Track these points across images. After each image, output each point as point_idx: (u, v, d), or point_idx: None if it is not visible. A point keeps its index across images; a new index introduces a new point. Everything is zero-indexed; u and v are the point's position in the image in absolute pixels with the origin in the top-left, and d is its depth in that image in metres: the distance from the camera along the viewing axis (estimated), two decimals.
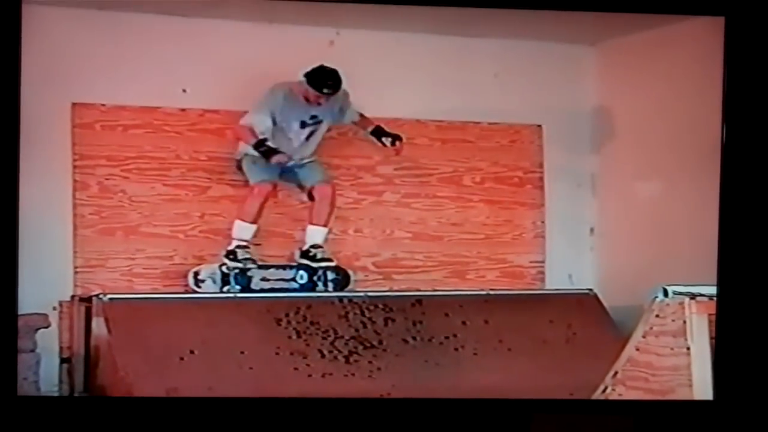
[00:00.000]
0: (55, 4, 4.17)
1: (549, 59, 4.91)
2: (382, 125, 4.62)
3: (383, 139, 4.62)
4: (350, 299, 4.42)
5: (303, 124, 4.52)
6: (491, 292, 4.65)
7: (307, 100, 4.46)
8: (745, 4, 3.88)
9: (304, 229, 4.64)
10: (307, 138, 4.56)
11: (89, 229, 4.41)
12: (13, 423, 3.74)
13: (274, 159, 4.45)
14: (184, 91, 4.55)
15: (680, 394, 3.80)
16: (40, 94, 4.03)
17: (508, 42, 4.82)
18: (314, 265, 4.55)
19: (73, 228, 4.38)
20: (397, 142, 4.61)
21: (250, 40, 4.56)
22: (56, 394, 4.16)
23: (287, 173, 4.58)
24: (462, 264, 4.84)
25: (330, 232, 4.61)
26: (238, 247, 4.50)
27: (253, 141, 4.45)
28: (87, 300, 4.23)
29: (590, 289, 4.78)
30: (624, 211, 4.90)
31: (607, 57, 4.94)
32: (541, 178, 5.02)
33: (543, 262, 4.99)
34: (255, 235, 4.53)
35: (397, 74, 4.72)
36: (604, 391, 3.79)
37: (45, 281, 4.14)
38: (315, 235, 4.56)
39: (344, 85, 4.45)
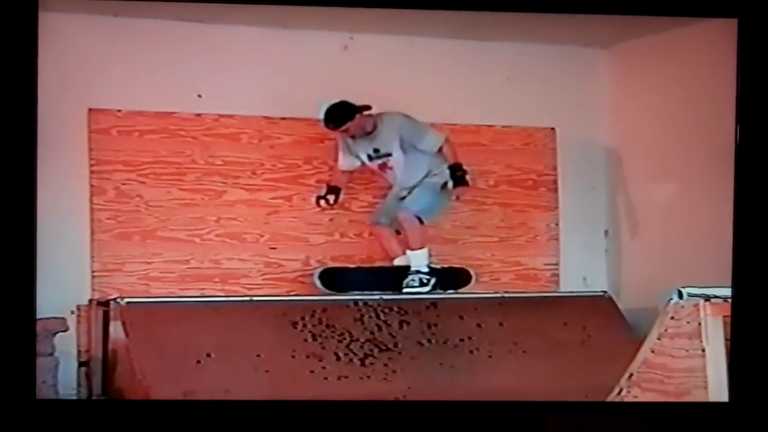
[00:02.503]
0: (72, 12, 4.20)
1: (562, 62, 4.92)
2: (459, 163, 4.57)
3: (449, 181, 4.59)
4: (365, 302, 4.43)
5: (370, 158, 4.60)
6: (506, 295, 4.65)
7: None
8: (757, 6, 3.88)
9: (319, 233, 4.69)
10: (383, 170, 4.62)
11: (106, 233, 4.44)
12: (32, 426, 3.77)
13: (321, 201, 4.63)
14: (199, 96, 4.58)
15: (695, 396, 3.79)
16: (57, 101, 4.07)
17: (521, 45, 4.83)
18: (408, 289, 4.57)
19: (91, 232, 4.41)
20: (460, 188, 4.59)
21: (265, 46, 4.59)
22: (74, 398, 4.19)
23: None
24: (476, 267, 4.85)
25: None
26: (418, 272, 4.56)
27: (333, 183, 4.65)
28: (104, 304, 4.26)
29: (605, 292, 4.79)
30: (638, 213, 4.91)
31: (620, 60, 4.95)
32: (555, 181, 5.02)
33: (557, 264, 4.99)
34: (429, 258, 4.57)
35: (410, 78, 4.73)
36: (619, 393, 3.79)
37: (63, 285, 4.17)
38: (412, 259, 4.59)
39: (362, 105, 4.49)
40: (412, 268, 4.57)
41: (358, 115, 4.48)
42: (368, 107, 4.49)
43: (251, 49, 4.59)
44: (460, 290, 4.72)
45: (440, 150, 4.58)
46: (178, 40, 4.50)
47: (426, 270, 4.57)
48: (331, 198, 4.63)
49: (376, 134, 4.55)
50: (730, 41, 3.89)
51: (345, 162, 4.63)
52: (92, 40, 4.36)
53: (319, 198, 4.64)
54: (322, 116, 4.48)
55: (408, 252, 4.59)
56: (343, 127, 4.50)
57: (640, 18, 4.26)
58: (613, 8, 4.06)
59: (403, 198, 4.62)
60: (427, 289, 4.56)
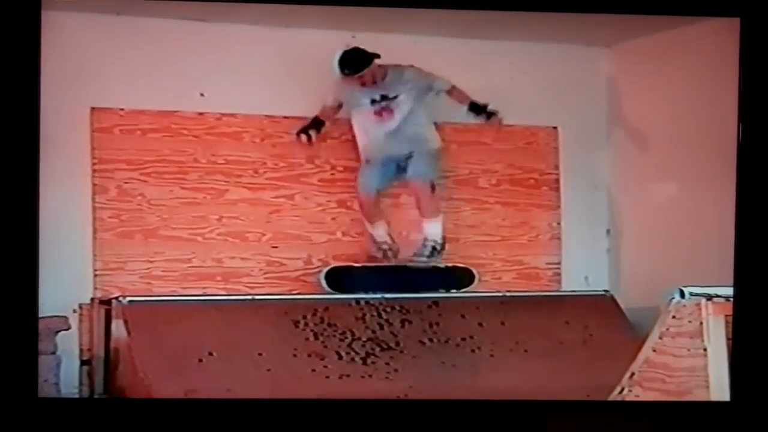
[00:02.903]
0: (74, 10, 4.21)
1: (565, 61, 4.92)
2: (473, 100, 4.64)
3: (479, 115, 4.64)
4: (367, 301, 4.44)
5: (372, 101, 4.56)
6: (507, 294, 4.66)
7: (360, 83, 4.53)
8: (760, 6, 3.88)
9: (321, 232, 4.69)
10: (380, 115, 4.58)
11: (108, 232, 4.44)
12: (33, 424, 3.78)
13: (301, 137, 4.58)
14: (201, 95, 4.58)
15: (697, 395, 3.79)
16: (60, 99, 4.07)
17: (523, 44, 4.82)
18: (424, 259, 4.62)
19: (93, 231, 4.42)
20: (493, 118, 4.63)
21: (267, 44, 4.59)
22: (76, 396, 4.19)
23: (401, 174, 4.64)
24: (478, 266, 4.85)
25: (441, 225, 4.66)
26: (376, 242, 4.63)
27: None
28: (106, 302, 4.26)
29: (606, 291, 4.79)
30: (640, 212, 4.90)
31: (623, 59, 4.94)
32: (557, 180, 5.02)
33: (559, 263, 4.99)
34: (387, 230, 4.65)
35: None
36: (620, 392, 3.79)
37: (65, 284, 4.17)
38: (426, 228, 4.63)
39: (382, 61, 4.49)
40: (429, 238, 4.60)
41: (373, 62, 4.48)
42: (378, 56, 4.49)
43: (254, 48, 4.59)
44: (461, 290, 4.72)
45: (451, 93, 4.62)
46: (181, 39, 4.50)
47: (440, 240, 4.60)
48: (313, 133, 4.58)
49: (385, 83, 4.55)
50: (732, 40, 3.89)
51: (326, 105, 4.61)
52: (95, 38, 4.36)
53: (300, 131, 4.59)
54: (336, 63, 4.45)
55: (424, 222, 4.62)
56: (360, 74, 4.48)
57: (643, 17, 4.25)
58: (615, 7, 4.06)
59: (402, 167, 4.62)
60: (437, 258, 4.59)
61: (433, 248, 4.62)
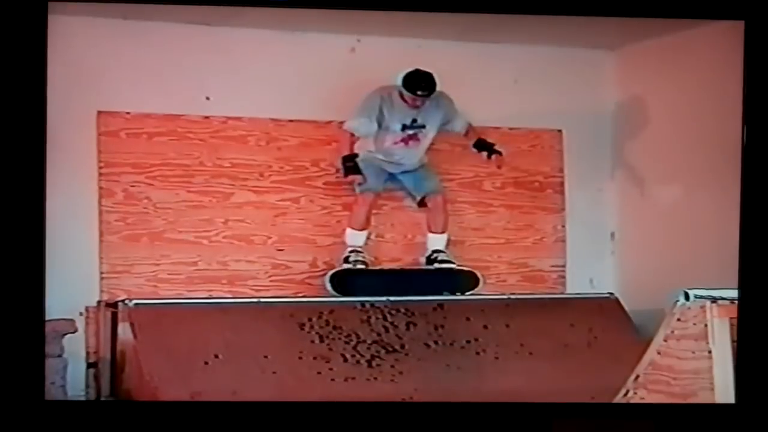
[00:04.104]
0: (81, 15, 4.22)
1: (569, 64, 4.92)
2: (483, 137, 4.71)
3: (482, 152, 4.69)
4: (372, 304, 4.44)
5: (404, 127, 4.59)
6: (512, 297, 4.66)
7: (405, 102, 4.54)
8: (764, 8, 3.89)
9: (326, 235, 4.69)
10: (406, 142, 4.61)
11: (115, 235, 4.46)
12: (41, 427, 3.79)
13: (351, 178, 4.58)
14: (207, 98, 4.59)
15: (702, 398, 3.80)
16: (66, 103, 4.08)
17: (527, 48, 4.83)
18: (435, 266, 4.66)
19: (99, 234, 4.43)
20: (494, 156, 4.68)
21: (272, 48, 4.60)
22: (83, 399, 4.20)
23: (394, 181, 4.70)
24: (483, 269, 4.86)
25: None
26: (351, 251, 4.61)
27: (346, 152, 4.56)
28: (113, 305, 4.28)
29: (611, 293, 4.79)
30: (645, 215, 4.91)
31: (627, 62, 4.95)
32: (562, 183, 5.03)
33: (564, 266, 4.99)
34: (366, 242, 4.65)
35: None
36: (625, 394, 3.80)
37: (72, 287, 4.18)
38: (435, 242, 4.69)
39: (441, 91, 4.53)
40: (436, 249, 4.65)
41: None
42: None
43: (259, 51, 4.61)
44: (466, 293, 4.73)
45: (467, 133, 4.69)
46: (187, 43, 4.51)
47: (445, 251, 4.66)
48: (351, 165, 4.56)
49: (422, 107, 4.56)
50: (737, 43, 3.90)
51: (365, 128, 4.57)
52: (101, 42, 4.38)
53: (349, 173, 4.56)
54: (403, 82, 4.46)
55: (432, 235, 4.68)
56: (432, 97, 4.52)
57: (647, 20, 4.26)
58: (619, 10, 4.07)
59: (396, 177, 4.67)
60: (453, 265, 4.64)
61: (447, 259, 4.66)
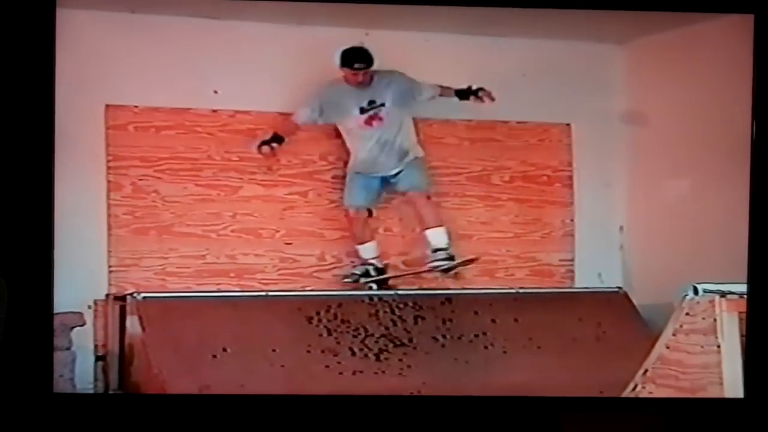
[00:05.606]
0: (89, 8, 4.22)
1: (577, 58, 4.91)
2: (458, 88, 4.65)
3: (468, 99, 4.65)
4: (380, 297, 4.45)
5: (362, 110, 4.57)
6: (521, 291, 4.65)
7: (349, 82, 4.53)
8: None
9: (334, 228, 4.69)
10: (369, 123, 4.59)
11: (123, 228, 4.46)
12: (49, 419, 3.81)
13: (263, 149, 4.54)
14: (215, 92, 4.59)
15: (711, 392, 3.80)
16: (74, 97, 4.09)
17: (536, 41, 4.81)
18: (435, 263, 4.62)
19: (108, 228, 4.43)
20: (480, 93, 4.62)
21: (280, 42, 4.60)
22: (91, 391, 4.20)
23: (389, 186, 4.66)
24: (491, 262, 4.86)
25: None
26: (367, 264, 4.61)
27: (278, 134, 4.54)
28: (121, 299, 4.28)
29: (620, 288, 4.78)
30: (653, 209, 4.89)
31: (636, 55, 4.93)
32: (570, 177, 5.01)
33: (572, 260, 4.98)
34: (377, 253, 4.64)
35: (425, 74, 4.73)
36: (634, 389, 3.80)
37: (80, 280, 4.18)
38: (432, 238, 4.63)
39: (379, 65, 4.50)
40: (434, 247, 4.60)
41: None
42: None
43: (267, 45, 4.60)
44: (474, 286, 4.73)
45: (441, 95, 4.64)
46: (195, 37, 4.51)
47: (447, 247, 4.60)
48: (276, 145, 4.57)
49: (372, 86, 4.54)
50: (746, 37, 3.89)
51: (304, 116, 4.57)
52: (109, 36, 4.37)
53: (262, 144, 4.56)
54: (339, 59, 4.46)
55: (427, 231, 4.62)
56: (369, 69, 4.49)
57: (656, 14, 4.25)
58: (629, 4, 4.06)
59: (390, 181, 4.63)
60: (454, 263, 4.59)
61: (449, 256, 4.61)
